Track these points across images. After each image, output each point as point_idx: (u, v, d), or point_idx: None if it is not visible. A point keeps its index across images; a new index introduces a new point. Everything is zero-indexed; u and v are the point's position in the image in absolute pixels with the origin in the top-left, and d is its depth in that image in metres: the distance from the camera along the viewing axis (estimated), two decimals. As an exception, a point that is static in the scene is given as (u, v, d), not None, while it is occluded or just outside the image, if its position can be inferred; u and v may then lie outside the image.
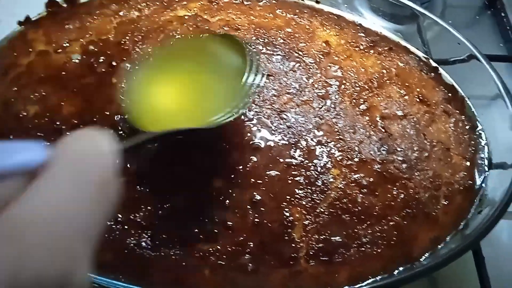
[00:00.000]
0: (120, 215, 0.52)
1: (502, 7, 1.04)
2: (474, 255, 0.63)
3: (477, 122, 0.68)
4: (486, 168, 0.63)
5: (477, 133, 0.67)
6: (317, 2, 0.80)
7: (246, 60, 0.53)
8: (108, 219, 0.28)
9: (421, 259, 0.54)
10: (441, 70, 0.73)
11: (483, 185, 0.62)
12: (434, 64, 0.74)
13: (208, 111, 0.51)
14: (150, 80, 0.54)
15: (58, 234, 0.25)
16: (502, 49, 0.99)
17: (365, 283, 0.51)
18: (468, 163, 0.63)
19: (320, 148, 0.59)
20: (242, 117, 0.61)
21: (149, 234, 0.52)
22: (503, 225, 0.71)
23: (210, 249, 0.52)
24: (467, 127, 0.67)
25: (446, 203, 0.59)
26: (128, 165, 0.55)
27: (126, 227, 0.52)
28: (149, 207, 0.53)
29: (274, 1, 0.78)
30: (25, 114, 0.60)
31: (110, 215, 0.28)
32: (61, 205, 0.26)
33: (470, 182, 0.62)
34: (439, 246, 0.56)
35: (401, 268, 0.53)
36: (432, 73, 0.72)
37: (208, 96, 0.53)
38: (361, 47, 0.73)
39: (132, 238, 0.52)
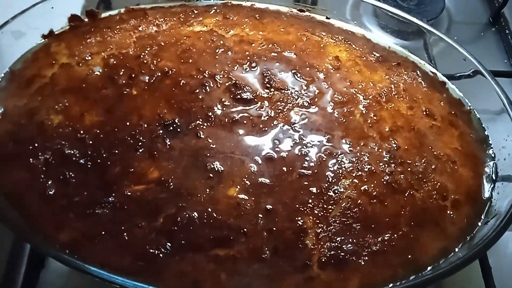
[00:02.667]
0: (139, 221, 0.55)
1: (507, 24, 1.06)
2: (481, 265, 0.65)
3: (483, 135, 0.70)
4: (493, 180, 0.65)
5: (483, 145, 0.69)
6: (327, 18, 0.83)
7: None
8: None
9: (429, 268, 0.56)
10: (448, 85, 0.75)
11: (490, 196, 0.63)
12: (441, 79, 0.76)
13: None
14: None
15: None
16: (506, 65, 1.01)
17: (376, 289, 0.53)
18: (474, 175, 0.65)
19: (331, 159, 0.61)
20: (255, 128, 0.63)
21: (167, 240, 0.54)
22: (510, 236, 0.73)
23: (226, 254, 0.54)
24: (473, 140, 0.69)
25: (453, 213, 0.61)
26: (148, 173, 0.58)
27: (144, 232, 0.54)
28: (167, 214, 0.55)
29: (285, 18, 0.81)
30: (49, 123, 0.62)
31: None
32: None
33: (477, 193, 0.64)
34: (448, 255, 0.57)
35: (409, 276, 0.55)
36: (439, 88, 0.75)
37: None
38: (370, 62, 0.75)
39: (151, 243, 0.54)
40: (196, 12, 0.80)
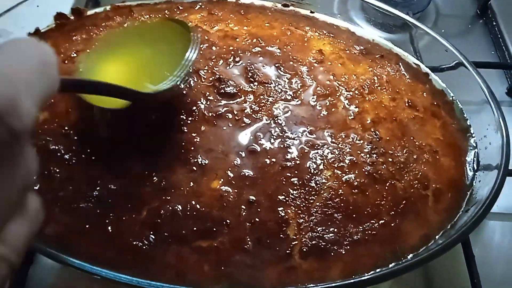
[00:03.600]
0: (123, 214, 0.56)
1: (494, 16, 1.07)
2: (465, 253, 0.66)
3: (466, 125, 0.71)
4: (474, 169, 0.66)
5: (465, 135, 0.70)
6: (312, 12, 0.84)
7: (190, 39, 0.61)
8: (48, 92, 0.33)
9: (410, 255, 0.57)
10: (431, 76, 0.76)
11: (471, 185, 0.64)
12: (424, 70, 0.77)
13: (153, 81, 0.58)
14: (102, 61, 0.62)
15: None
16: (494, 56, 1.02)
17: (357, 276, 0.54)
18: (456, 164, 0.66)
19: (313, 151, 0.62)
20: (239, 122, 0.64)
21: (151, 232, 0.55)
22: (495, 226, 0.74)
23: (209, 245, 0.55)
24: (456, 130, 0.70)
25: (434, 202, 0.62)
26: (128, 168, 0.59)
27: (128, 225, 0.55)
28: (151, 207, 0.56)
29: (269, 13, 0.82)
30: (35, 120, 0.63)
31: (50, 91, 0.33)
32: (9, 61, 0.31)
33: (458, 182, 0.64)
34: (429, 243, 0.58)
35: (391, 264, 0.56)
36: (422, 79, 0.75)
37: (153, 70, 0.60)
38: (354, 55, 0.76)
39: (135, 236, 0.55)
40: (181, 8, 0.80)
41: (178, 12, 0.80)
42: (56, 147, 0.60)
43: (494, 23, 1.06)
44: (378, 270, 0.54)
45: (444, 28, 1.06)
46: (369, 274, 0.53)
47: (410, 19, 0.82)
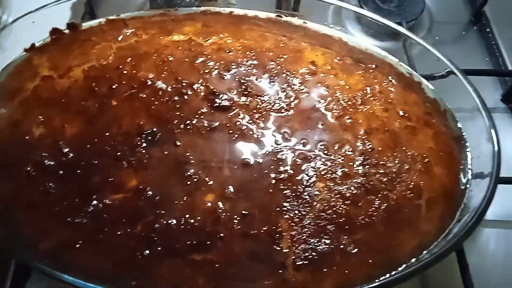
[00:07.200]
0: (118, 228, 0.56)
1: (488, 23, 1.07)
2: (459, 262, 0.66)
3: (458, 134, 0.71)
4: (467, 178, 0.66)
5: (458, 144, 0.70)
6: (305, 23, 0.84)
7: None
8: None
9: (404, 265, 0.57)
10: (424, 85, 0.76)
11: (464, 194, 0.65)
12: (417, 79, 0.77)
13: None
14: None
15: None
16: (488, 63, 1.02)
17: (350, 288, 0.54)
18: (449, 173, 0.66)
19: (305, 163, 0.63)
20: (232, 135, 0.65)
21: (146, 246, 0.55)
22: (490, 233, 0.74)
23: (203, 259, 0.55)
24: (448, 139, 0.71)
25: (427, 211, 0.62)
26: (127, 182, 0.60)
27: (123, 239, 0.56)
28: (146, 221, 0.57)
29: (263, 24, 0.82)
30: (31, 135, 0.64)
31: None
32: None
33: (451, 191, 0.65)
34: (422, 252, 0.58)
35: (384, 275, 0.56)
36: (415, 88, 0.76)
37: None
38: (347, 65, 0.77)
39: (130, 250, 0.55)
40: (175, 21, 0.81)
41: (172, 25, 0.80)
42: (52, 163, 0.61)
43: (487, 30, 1.06)
44: (372, 282, 0.54)
45: (438, 35, 1.06)
46: (363, 286, 0.53)
47: (401, 29, 0.82)
